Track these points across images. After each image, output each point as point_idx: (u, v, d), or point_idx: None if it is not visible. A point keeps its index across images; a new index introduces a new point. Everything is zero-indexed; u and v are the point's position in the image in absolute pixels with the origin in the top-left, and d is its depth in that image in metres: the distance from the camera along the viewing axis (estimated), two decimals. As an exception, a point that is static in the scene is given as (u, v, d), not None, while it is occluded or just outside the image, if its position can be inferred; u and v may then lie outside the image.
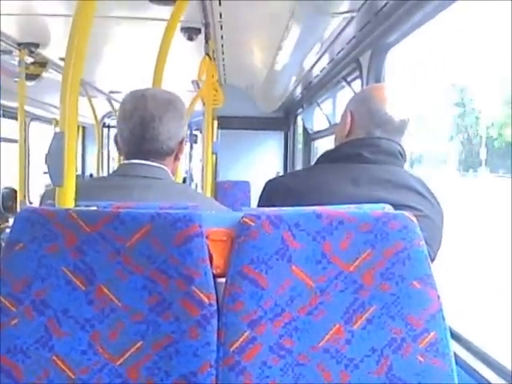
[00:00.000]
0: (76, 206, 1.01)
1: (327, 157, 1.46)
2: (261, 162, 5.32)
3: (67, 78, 1.01)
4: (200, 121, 3.52)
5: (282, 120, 5.37)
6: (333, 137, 1.56)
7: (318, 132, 4.58)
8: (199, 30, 2.72)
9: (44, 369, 0.90)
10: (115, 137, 1.39)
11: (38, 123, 5.50)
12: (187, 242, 0.90)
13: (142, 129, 1.30)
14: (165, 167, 1.34)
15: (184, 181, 6.73)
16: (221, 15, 2.56)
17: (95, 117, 5.35)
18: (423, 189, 1.38)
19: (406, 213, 0.95)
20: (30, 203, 4.83)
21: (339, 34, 2.25)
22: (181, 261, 0.90)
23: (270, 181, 1.44)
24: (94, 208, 0.95)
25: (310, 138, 4.98)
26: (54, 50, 3.18)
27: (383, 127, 1.39)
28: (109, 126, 6.99)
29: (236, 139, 5.29)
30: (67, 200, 1.01)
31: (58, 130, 1.03)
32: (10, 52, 3.05)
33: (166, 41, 1.87)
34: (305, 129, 5.10)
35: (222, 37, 3.00)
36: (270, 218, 0.92)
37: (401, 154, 1.40)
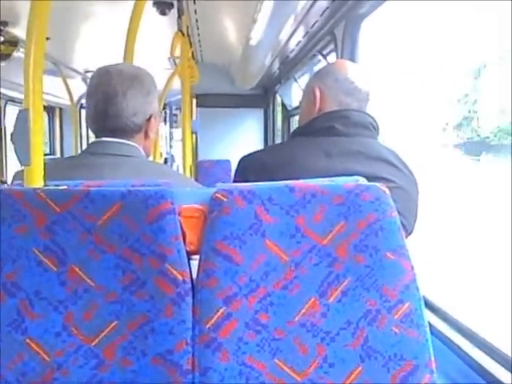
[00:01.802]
0: (45, 185, 0.99)
1: (300, 131, 1.46)
2: (241, 139, 5.30)
3: (30, 52, 0.98)
4: (180, 100, 3.48)
5: (260, 97, 5.33)
6: None
7: (297, 108, 4.55)
8: (172, 5, 2.67)
9: (18, 352, 0.89)
10: (85, 116, 1.36)
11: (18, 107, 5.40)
12: (159, 219, 0.89)
13: (105, 105, 1.27)
14: (135, 144, 1.31)
15: (165, 161, 6.69)
16: None
17: (71, 97, 5.26)
18: (396, 160, 1.38)
19: (379, 184, 0.94)
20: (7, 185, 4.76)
21: (312, 5, 2.22)
22: (153, 238, 0.89)
23: (244, 157, 1.44)
24: (64, 187, 0.93)
25: (288, 114, 4.96)
26: (24, 28, 3.11)
27: (352, 95, 1.40)
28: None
29: (215, 118, 5.25)
30: (35, 179, 0.98)
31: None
32: (-22, 31, 2.97)
33: (136, 15, 1.83)
34: (283, 105, 5.07)
35: (195, 11, 2.95)
36: (243, 193, 0.91)
37: (373, 126, 1.40)
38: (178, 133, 6.77)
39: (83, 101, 6.53)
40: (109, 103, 1.27)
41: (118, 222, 0.89)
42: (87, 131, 7.05)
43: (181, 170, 4.39)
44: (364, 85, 1.43)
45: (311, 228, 0.92)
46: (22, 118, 0.97)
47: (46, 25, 0.99)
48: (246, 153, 1.45)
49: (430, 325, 0.97)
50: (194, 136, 4.62)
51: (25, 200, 0.89)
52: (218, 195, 0.91)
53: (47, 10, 0.99)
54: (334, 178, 0.98)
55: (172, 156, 6.93)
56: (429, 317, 0.97)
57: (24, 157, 0.97)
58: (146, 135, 1.35)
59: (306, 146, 1.36)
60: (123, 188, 0.90)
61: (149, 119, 1.34)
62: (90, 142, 1.35)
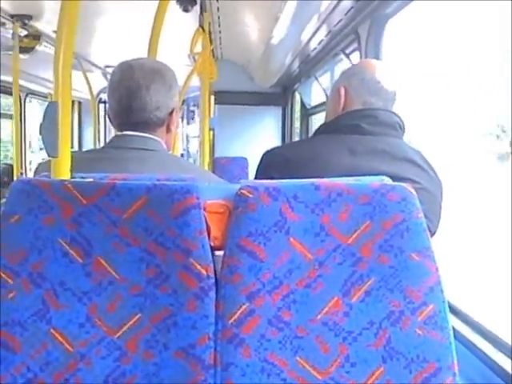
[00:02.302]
0: (72, 177, 0.99)
1: (325, 128, 1.46)
2: (259, 137, 5.30)
3: (60, 48, 0.99)
4: (197, 96, 3.48)
5: (279, 95, 5.32)
6: None
7: (316, 106, 4.55)
8: (195, 1, 2.67)
9: (42, 342, 0.89)
10: (108, 110, 1.37)
11: (40, 101, 5.45)
12: (184, 213, 0.89)
13: (129, 99, 1.28)
14: (158, 138, 1.32)
15: (181, 157, 6.72)
16: None
17: (91, 91, 5.30)
18: (422, 161, 1.37)
19: (405, 184, 0.94)
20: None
21: (337, 4, 2.21)
22: (178, 233, 0.89)
23: (267, 152, 1.44)
24: (90, 180, 0.93)
25: (307, 112, 4.95)
26: (48, 23, 3.14)
27: (378, 95, 1.40)
28: (105, 102, 6.92)
29: (234, 115, 5.26)
30: (63, 171, 0.99)
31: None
32: (3, 24, 3.00)
33: (160, 11, 1.83)
34: (302, 103, 5.06)
35: (218, 9, 2.96)
36: (268, 189, 0.91)
37: (399, 126, 1.39)
38: (194, 129, 6.79)
39: (102, 95, 6.58)
40: (132, 97, 1.27)
41: (144, 215, 0.90)
42: (105, 125, 7.11)
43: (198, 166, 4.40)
44: (390, 85, 1.42)
45: (336, 227, 0.91)
46: (51, 111, 0.98)
47: (75, 20, 1.00)
48: (262, 151, 1.45)
49: (453, 328, 0.96)
50: (211, 133, 4.63)
51: (52, 191, 0.90)
52: (244, 191, 0.91)
53: (77, 6, 1.00)
54: (359, 178, 0.98)
55: (188, 152, 6.96)
56: (451, 320, 0.96)
57: (52, 149, 0.98)
58: (168, 129, 1.36)
59: (329, 142, 1.36)
60: (149, 182, 0.91)
61: (171, 113, 1.34)
62: (113, 135, 1.35)
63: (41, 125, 0.98)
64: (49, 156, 0.99)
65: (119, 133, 1.32)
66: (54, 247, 0.90)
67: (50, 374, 0.89)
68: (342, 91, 1.44)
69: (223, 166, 5.15)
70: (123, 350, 0.90)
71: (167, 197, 0.89)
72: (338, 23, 2.59)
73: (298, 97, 5.20)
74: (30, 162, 5.45)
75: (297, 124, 5.33)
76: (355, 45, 2.51)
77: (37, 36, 3.35)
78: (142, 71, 1.29)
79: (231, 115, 5.23)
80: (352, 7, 2.28)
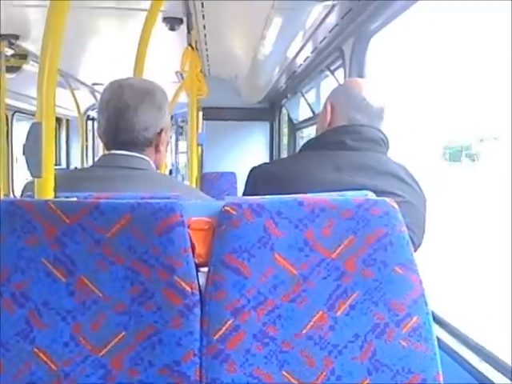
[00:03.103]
0: (56, 197, 1.00)
1: (311, 145, 1.47)
2: (247, 153, 5.31)
3: (44, 68, 0.99)
4: (186, 112, 3.50)
5: (267, 110, 5.35)
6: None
7: (303, 122, 4.57)
8: (181, 20, 2.70)
9: (25, 362, 0.89)
10: (97, 129, 1.38)
11: (28, 119, 5.44)
12: (168, 231, 0.89)
13: (117, 119, 1.29)
14: (146, 157, 1.33)
15: (170, 173, 6.71)
16: (202, 5, 2.54)
17: (78, 109, 5.29)
18: (406, 175, 1.38)
19: (388, 199, 0.95)
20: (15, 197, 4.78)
21: (321, 21, 2.24)
22: (162, 250, 0.89)
23: (254, 168, 1.45)
24: (74, 199, 0.94)
25: (295, 127, 4.98)
26: (35, 42, 3.14)
27: (363, 111, 1.42)
28: (93, 119, 6.92)
29: (222, 130, 5.27)
30: (46, 191, 0.99)
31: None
32: (-11, 44, 3.00)
33: (146, 31, 1.85)
34: (290, 119, 5.09)
35: (204, 27, 2.98)
36: (252, 206, 0.92)
37: (383, 141, 1.41)
38: (183, 145, 6.79)
39: (90, 112, 6.58)
40: (120, 117, 1.28)
41: (127, 234, 0.90)
42: (93, 143, 7.10)
43: (186, 182, 4.41)
44: (376, 102, 1.44)
45: (320, 242, 0.92)
46: (35, 131, 0.98)
47: (60, 41, 1.01)
48: (251, 166, 1.46)
49: (438, 339, 0.97)
50: (199, 148, 4.64)
51: (35, 211, 0.90)
52: (227, 208, 0.92)
53: (62, 26, 1.01)
54: (343, 192, 0.99)
55: (177, 168, 6.95)
56: (436, 331, 0.97)
57: (35, 169, 0.99)
58: (157, 149, 1.36)
59: (315, 159, 1.37)
60: (133, 200, 0.91)
61: (159, 133, 1.34)
62: (101, 154, 1.36)
63: (24, 145, 0.98)
64: (32, 176, 0.99)
65: (107, 152, 1.32)
66: (37, 267, 0.90)
67: None
68: (329, 108, 1.46)
69: (212, 182, 5.15)
70: (108, 368, 0.89)
71: (151, 215, 0.90)
72: (322, 40, 2.63)
73: (285, 112, 5.23)
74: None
75: (284, 139, 5.35)
76: (340, 61, 2.54)
77: (23, 55, 3.36)
78: (131, 91, 1.30)
79: (219, 131, 5.25)
80: (336, 24, 2.31)
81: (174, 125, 6.73)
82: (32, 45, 3.23)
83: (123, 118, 1.28)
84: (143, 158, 1.31)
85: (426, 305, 0.93)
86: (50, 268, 0.90)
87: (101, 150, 7.10)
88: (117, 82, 1.33)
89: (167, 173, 6.40)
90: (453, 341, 1.51)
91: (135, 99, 1.29)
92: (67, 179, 1.24)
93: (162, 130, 1.35)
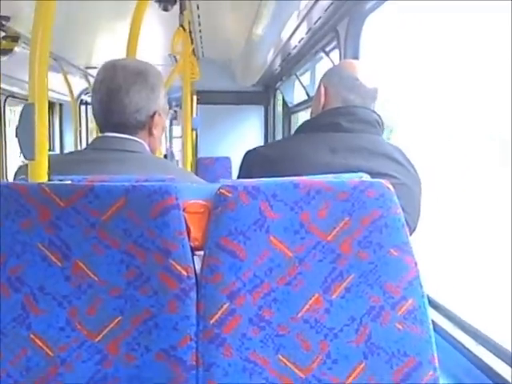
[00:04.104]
0: (49, 180, 0.99)
1: (305, 127, 1.47)
2: (242, 137, 5.30)
3: (35, 48, 0.98)
4: (180, 97, 3.48)
5: (261, 94, 5.33)
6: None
7: (298, 105, 4.55)
8: (174, 1, 2.66)
9: (22, 347, 0.89)
10: (92, 110, 1.36)
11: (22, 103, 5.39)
12: (164, 214, 0.89)
13: (109, 100, 1.27)
14: (140, 140, 1.31)
15: (165, 157, 6.69)
16: None
17: (71, 93, 5.25)
18: (401, 157, 1.38)
19: (383, 181, 0.94)
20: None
21: (316, 1, 2.22)
22: (158, 234, 0.89)
23: (248, 151, 1.45)
24: (68, 182, 0.93)
25: (289, 111, 4.96)
26: (26, 24, 3.10)
27: (356, 92, 1.42)
28: (86, 103, 6.87)
29: (216, 115, 5.25)
30: (40, 174, 0.98)
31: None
32: (-21, 26, 2.97)
33: (139, 11, 1.82)
34: (284, 102, 5.07)
35: (197, 7, 2.95)
36: (247, 188, 0.91)
37: (378, 123, 1.40)
38: (177, 129, 6.76)
39: (83, 97, 6.53)
40: (111, 99, 1.27)
41: (123, 217, 0.89)
42: (87, 127, 7.06)
43: (180, 167, 4.39)
44: (370, 82, 1.43)
45: (315, 224, 0.92)
46: (27, 113, 0.97)
47: (51, 22, 0.99)
48: (246, 150, 1.45)
49: (433, 322, 0.97)
50: (194, 133, 4.62)
51: (29, 195, 0.89)
52: (223, 191, 0.91)
53: (53, 7, 0.99)
54: (338, 175, 0.98)
55: (172, 152, 6.93)
56: (431, 314, 0.97)
57: (28, 151, 0.98)
58: (150, 132, 1.34)
59: (310, 141, 1.37)
60: (127, 183, 0.90)
61: (153, 116, 1.32)
62: (94, 137, 1.35)
63: (17, 127, 0.97)
64: (25, 159, 0.98)
65: (101, 134, 1.31)
66: (33, 251, 0.89)
67: (30, 380, 0.88)
68: (322, 90, 1.46)
69: (206, 166, 5.14)
70: (104, 353, 0.89)
71: (146, 198, 0.89)
72: (317, 21, 2.60)
73: (280, 95, 5.21)
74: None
75: (279, 122, 5.33)
76: (335, 43, 2.53)
77: (15, 38, 3.32)
78: (124, 72, 1.28)
79: (214, 115, 5.23)
80: (331, 4, 2.29)
81: (170, 108, 6.69)
82: (23, 27, 3.19)
83: (115, 100, 1.27)
84: (136, 141, 1.30)
85: (421, 287, 0.93)
86: (46, 252, 0.89)
87: (94, 135, 7.07)
88: (110, 63, 1.32)
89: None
90: (448, 324, 1.52)
91: (127, 80, 1.27)
92: (61, 162, 1.22)
93: (155, 113, 1.32)
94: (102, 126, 1.30)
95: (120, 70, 1.29)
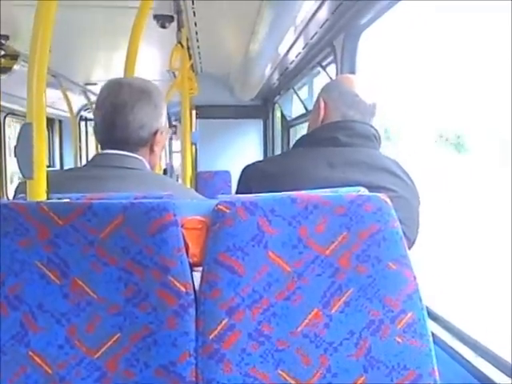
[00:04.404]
0: (48, 198, 0.99)
1: (303, 141, 1.47)
2: (241, 151, 5.31)
3: (33, 67, 0.99)
4: (179, 111, 3.49)
5: (260, 108, 5.35)
6: None
7: (297, 118, 4.57)
8: (172, 18, 2.68)
9: (21, 365, 0.88)
10: (93, 127, 1.38)
11: (22, 121, 5.41)
12: (162, 231, 0.89)
13: (113, 116, 1.29)
14: (140, 157, 1.32)
15: (165, 172, 6.70)
16: (193, 2, 2.53)
17: (70, 109, 5.27)
18: (399, 170, 1.39)
19: (381, 195, 0.95)
20: (8, 199, 4.75)
21: (312, 16, 2.24)
22: (156, 250, 0.89)
23: (247, 166, 1.45)
24: (67, 200, 0.93)
25: (288, 124, 4.98)
26: (25, 42, 3.12)
27: (356, 108, 1.42)
28: (86, 119, 6.89)
29: (215, 129, 5.26)
30: (39, 193, 0.99)
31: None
32: (-21, 45, 2.99)
33: (137, 28, 1.84)
34: (283, 115, 5.09)
35: (195, 24, 2.97)
36: (245, 204, 0.91)
37: (375, 137, 1.41)
38: (177, 144, 6.77)
39: (83, 113, 6.56)
40: (116, 114, 1.28)
41: (121, 234, 0.89)
42: (86, 144, 7.07)
43: (180, 181, 4.39)
44: (369, 98, 1.45)
45: (313, 239, 0.92)
46: (25, 132, 0.97)
47: (49, 39, 1.00)
48: (245, 164, 1.46)
49: (433, 334, 0.97)
50: (193, 147, 4.63)
51: (28, 213, 0.89)
52: (221, 207, 0.91)
53: (50, 24, 1.00)
54: (336, 189, 0.99)
55: (172, 167, 6.93)
56: (431, 326, 0.97)
57: (27, 170, 0.98)
58: (152, 149, 1.35)
59: (308, 156, 1.38)
60: (125, 200, 0.91)
61: (155, 133, 1.34)
62: (94, 154, 1.35)
63: (15, 146, 0.98)
64: (24, 177, 0.99)
65: (101, 151, 1.32)
66: (31, 269, 0.89)
67: None
68: (322, 104, 1.46)
69: (206, 180, 5.14)
70: (103, 370, 0.89)
71: (144, 215, 0.89)
72: (314, 36, 2.62)
73: (278, 109, 5.23)
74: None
75: (278, 136, 5.35)
76: (332, 57, 2.54)
77: (14, 56, 3.34)
78: (129, 89, 1.30)
79: (213, 129, 5.24)
80: (327, 19, 2.31)
81: (170, 125, 6.71)
82: (22, 45, 3.21)
83: (119, 115, 1.28)
84: (136, 158, 1.31)
85: (421, 300, 0.93)
86: (44, 270, 0.89)
87: (94, 151, 7.09)
88: (115, 80, 1.35)
89: (162, 173, 6.39)
90: (448, 336, 1.51)
91: (132, 97, 1.30)
92: (60, 179, 1.23)
93: (157, 131, 1.34)
94: (104, 141, 1.32)
95: (125, 87, 1.31)
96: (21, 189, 1.20)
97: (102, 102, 1.31)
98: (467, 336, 1.47)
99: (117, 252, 0.89)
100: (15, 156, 0.99)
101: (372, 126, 1.42)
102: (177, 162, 6.82)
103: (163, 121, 1.36)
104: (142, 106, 1.30)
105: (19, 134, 0.98)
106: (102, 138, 1.32)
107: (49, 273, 0.89)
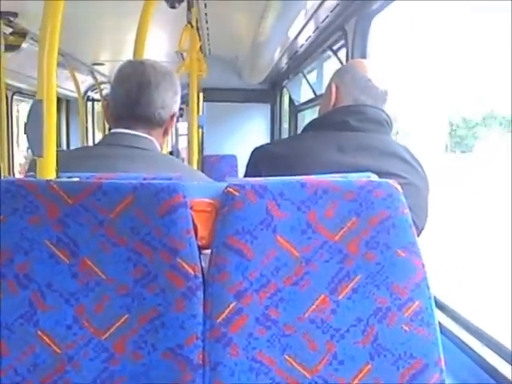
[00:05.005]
0: (58, 177, 0.99)
1: (314, 125, 1.46)
2: (248, 135, 5.28)
3: (44, 45, 0.98)
4: (186, 94, 3.48)
5: (268, 92, 5.31)
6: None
7: (305, 103, 4.54)
8: (182, -2, 2.66)
9: (29, 344, 0.89)
10: (106, 102, 1.38)
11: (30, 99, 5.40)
12: (171, 212, 0.89)
13: (138, 93, 1.30)
14: (152, 138, 1.32)
15: (171, 155, 6.68)
16: None
17: (78, 89, 5.26)
18: (409, 156, 1.38)
19: (391, 181, 0.94)
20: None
21: (323, 1, 2.21)
22: (165, 232, 0.89)
23: (256, 148, 1.45)
24: (76, 179, 0.93)
25: (296, 109, 4.95)
26: (34, 20, 3.09)
27: (368, 93, 1.41)
28: (93, 100, 6.88)
29: (222, 112, 5.24)
30: (48, 171, 0.99)
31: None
32: (-13, 21, 2.97)
33: (147, 9, 1.82)
34: (291, 100, 5.06)
35: (205, 5, 2.94)
36: (255, 187, 0.91)
37: (387, 123, 1.40)
38: (183, 127, 6.75)
39: (90, 93, 6.54)
40: (142, 92, 1.30)
41: (130, 215, 0.89)
42: (93, 124, 7.06)
43: (187, 165, 4.38)
44: (381, 84, 1.43)
45: (322, 224, 0.92)
46: (36, 110, 0.97)
47: (59, 18, 1.00)
48: (252, 148, 1.45)
49: (439, 323, 0.96)
50: (200, 130, 4.61)
51: (37, 191, 0.89)
52: (230, 190, 0.91)
53: (61, 5, 0.99)
54: (346, 174, 0.98)
55: (178, 150, 6.92)
56: (438, 315, 0.97)
57: (37, 148, 0.98)
58: (166, 132, 1.38)
59: (319, 139, 1.37)
60: (135, 181, 0.90)
61: (172, 116, 1.36)
62: (107, 132, 1.36)
63: (25, 124, 0.97)
64: (34, 155, 0.98)
65: (113, 130, 1.32)
66: (40, 248, 0.89)
67: (37, 377, 0.89)
68: (334, 88, 1.45)
69: (212, 164, 5.13)
70: (111, 351, 0.89)
71: (154, 196, 0.89)
72: (324, 20, 2.60)
73: (286, 93, 5.19)
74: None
75: (285, 121, 5.32)
76: (342, 41, 2.52)
77: (23, 34, 3.32)
78: (153, 69, 1.33)
79: (220, 113, 5.21)
80: (338, 4, 2.29)
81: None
82: (31, 23, 3.19)
83: (144, 93, 1.30)
84: (148, 138, 1.31)
85: (428, 289, 0.92)
86: (53, 249, 0.89)
87: (100, 132, 7.08)
88: (138, 60, 1.39)
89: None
90: (454, 326, 1.51)
91: (158, 77, 1.32)
92: (69, 157, 1.23)
93: (174, 114, 1.37)
94: (122, 118, 1.32)
95: (149, 67, 1.33)
96: (31, 168, 1.20)
97: (126, 78, 1.32)
98: (474, 326, 1.47)
99: (126, 232, 0.89)
100: (25, 133, 0.99)
101: (384, 111, 1.41)
102: (183, 144, 6.81)
103: (178, 106, 1.39)
104: (166, 87, 1.32)
105: (29, 111, 0.97)
106: (122, 113, 1.32)
107: (58, 252, 0.89)
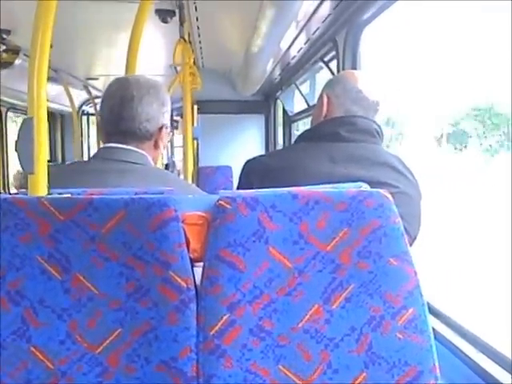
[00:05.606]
0: (49, 193, 0.99)
1: (306, 136, 1.47)
2: (242, 146, 5.29)
3: (34, 61, 0.99)
4: (180, 107, 3.50)
5: (262, 103, 5.33)
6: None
7: (298, 113, 4.56)
8: (173, 13, 2.68)
9: (22, 360, 0.89)
10: (99, 118, 1.40)
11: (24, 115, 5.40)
12: (163, 226, 0.89)
13: (121, 107, 1.31)
14: (144, 152, 1.33)
15: (166, 167, 6.69)
16: None
17: (72, 104, 5.27)
18: (400, 166, 1.39)
19: (382, 190, 0.95)
20: (10, 194, 4.75)
21: (314, 12, 2.23)
22: (157, 246, 0.89)
23: (249, 160, 1.46)
24: (68, 195, 0.93)
25: (290, 119, 4.96)
26: (27, 37, 3.12)
27: (359, 104, 1.42)
28: (88, 114, 6.89)
29: (217, 124, 5.25)
30: (39, 188, 0.99)
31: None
32: (-20, 39, 2.98)
33: (138, 23, 1.83)
34: (285, 111, 5.08)
35: (197, 19, 2.96)
36: (246, 200, 0.91)
37: (378, 133, 1.41)
38: (178, 139, 6.76)
39: (84, 107, 6.55)
40: (124, 106, 1.31)
41: (122, 229, 0.89)
42: (88, 138, 7.06)
43: (182, 176, 4.39)
44: (372, 95, 1.44)
45: (314, 235, 0.92)
46: (27, 127, 0.97)
47: (49, 34, 1.00)
48: (247, 159, 1.46)
49: (434, 330, 0.97)
50: (195, 142, 4.63)
51: (28, 208, 0.89)
52: (222, 202, 0.91)
53: (51, 19, 1.00)
54: (337, 185, 0.98)
55: (173, 162, 6.92)
56: (432, 322, 0.97)
57: (28, 165, 0.98)
58: (156, 145, 1.38)
59: (310, 150, 1.37)
60: (126, 196, 0.91)
61: (160, 129, 1.36)
62: (100, 147, 1.37)
63: (16, 141, 0.98)
64: (24, 172, 0.99)
65: (106, 145, 1.33)
66: (32, 264, 0.89)
67: None
68: (325, 99, 1.46)
69: (207, 176, 5.13)
70: (104, 365, 0.89)
71: (145, 210, 0.89)
72: (315, 31, 2.62)
73: (280, 104, 5.22)
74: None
75: (280, 131, 5.34)
76: (333, 52, 2.53)
77: (16, 50, 3.33)
78: (137, 84, 1.34)
79: (214, 124, 5.22)
80: (329, 14, 2.31)
81: (172, 121, 6.69)
82: (24, 39, 3.20)
83: (127, 108, 1.31)
84: (140, 153, 1.32)
85: (422, 296, 0.93)
86: (45, 265, 0.89)
87: (95, 145, 7.08)
88: (124, 77, 1.40)
89: (163, 168, 6.38)
90: (449, 332, 1.51)
91: (141, 91, 1.33)
92: (62, 173, 1.24)
93: (163, 126, 1.37)
94: (110, 134, 1.33)
95: (134, 82, 1.35)
96: (16, 177, 1.21)
97: (110, 94, 1.34)
98: (468, 332, 1.47)
99: (118, 247, 0.89)
100: (16, 150, 0.99)
101: (374, 122, 1.42)
102: (178, 157, 6.81)
103: (168, 118, 1.39)
104: (151, 101, 1.33)
105: (20, 128, 0.98)
106: (109, 130, 1.34)
107: (50, 268, 0.89)
